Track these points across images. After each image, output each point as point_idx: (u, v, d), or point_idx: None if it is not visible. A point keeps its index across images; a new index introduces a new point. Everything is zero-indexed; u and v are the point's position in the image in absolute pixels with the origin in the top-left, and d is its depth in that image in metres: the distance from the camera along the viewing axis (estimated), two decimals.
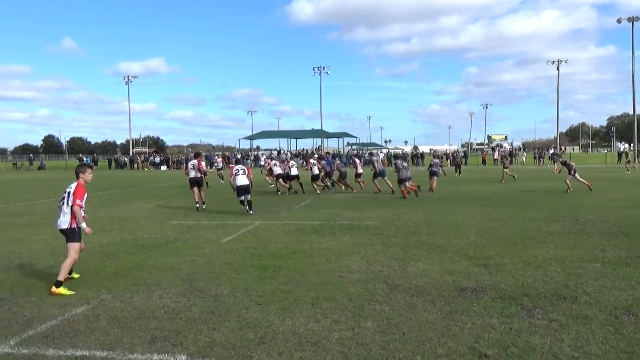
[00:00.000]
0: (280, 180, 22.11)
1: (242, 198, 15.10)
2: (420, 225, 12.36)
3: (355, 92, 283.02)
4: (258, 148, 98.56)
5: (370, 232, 11.35)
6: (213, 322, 5.67)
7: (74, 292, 6.92)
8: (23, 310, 6.21)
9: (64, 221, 7.27)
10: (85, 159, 65.97)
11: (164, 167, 61.07)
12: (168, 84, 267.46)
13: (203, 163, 18.41)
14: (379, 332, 5.32)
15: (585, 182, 20.76)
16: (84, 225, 7.25)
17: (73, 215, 7.23)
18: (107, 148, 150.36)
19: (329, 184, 23.21)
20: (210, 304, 6.32)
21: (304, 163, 24.23)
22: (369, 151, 67.28)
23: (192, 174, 17.13)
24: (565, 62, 77.16)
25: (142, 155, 74.09)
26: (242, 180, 15.14)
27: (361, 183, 23.34)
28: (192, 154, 26.12)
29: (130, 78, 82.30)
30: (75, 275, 7.67)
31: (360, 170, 24.19)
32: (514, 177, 27.78)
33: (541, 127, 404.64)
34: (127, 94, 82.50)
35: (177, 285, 7.24)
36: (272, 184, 23.09)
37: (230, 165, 33.01)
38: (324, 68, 76.23)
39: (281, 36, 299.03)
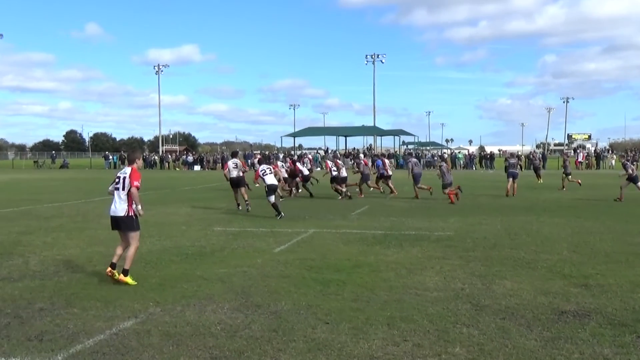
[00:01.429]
0: (286, 184, 22.96)
1: (273, 199, 15.91)
2: (501, 237, 12.17)
3: (413, 84, 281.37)
4: (300, 147, 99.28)
5: (443, 244, 11.24)
6: (278, 342, 5.72)
7: (136, 283, 7.99)
8: (67, 323, 6.41)
9: (121, 208, 8.15)
10: (111, 157, 68.02)
11: (197, 167, 62.20)
12: (202, 74, 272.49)
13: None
14: (470, 359, 5.25)
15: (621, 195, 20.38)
16: (140, 207, 8.20)
17: (130, 202, 8.12)
18: (134, 145, 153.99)
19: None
20: (272, 322, 6.37)
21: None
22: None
23: (235, 173, 17.69)
24: None
25: (173, 154, 75.64)
26: (271, 179, 16.08)
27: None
28: (230, 153, 26.76)
29: (161, 67, 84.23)
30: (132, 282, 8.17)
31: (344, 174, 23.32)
32: (563, 186, 26.64)
33: (632, 125, 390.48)
34: (157, 85, 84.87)
35: (231, 299, 7.34)
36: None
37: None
38: (378, 56, 76.17)
39: (328, 20, 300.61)
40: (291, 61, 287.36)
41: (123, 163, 65.67)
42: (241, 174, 17.98)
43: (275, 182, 16.21)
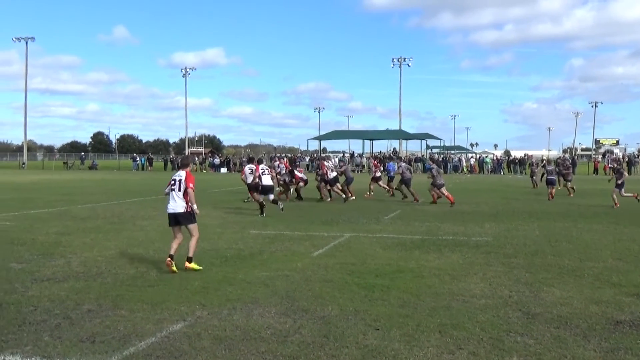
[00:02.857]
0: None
1: (263, 198, 17.27)
2: (541, 243, 11.98)
3: (437, 88, 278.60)
4: (325, 150, 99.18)
5: (483, 250, 11.09)
6: (330, 348, 5.65)
7: (201, 267, 9.10)
8: (117, 325, 6.41)
9: (180, 205, 9.14)
10: (139, 159, 68.66)
11: (223, 170, 62.48)
12: (226, 77, 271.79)
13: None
14: None
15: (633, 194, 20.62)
16: (195, 206, 9.22)
17: (187, 200, 9.08)
18: (159, 147, 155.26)
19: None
20: (321, 327, 6.31)
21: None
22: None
23: (250, 179, 18.47)
24: None
25: (199, 156, 76.07)
26: (267, 180, 17.66)
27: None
28: (246, 159, 27.41)
29: (187, 70, 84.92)
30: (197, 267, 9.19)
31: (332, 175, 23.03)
32: (573, 188, 26.58)
33: None
34: (184, 88, 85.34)
35: (277, 303, 7.30)
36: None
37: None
38: (404, 59, 75.94)
39: (352, 23, 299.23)
40: (315, 64, 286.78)
41: (151, 164, 66.44)
42: (257, 179, 18.43)
43: (270, 182, 17.71)
